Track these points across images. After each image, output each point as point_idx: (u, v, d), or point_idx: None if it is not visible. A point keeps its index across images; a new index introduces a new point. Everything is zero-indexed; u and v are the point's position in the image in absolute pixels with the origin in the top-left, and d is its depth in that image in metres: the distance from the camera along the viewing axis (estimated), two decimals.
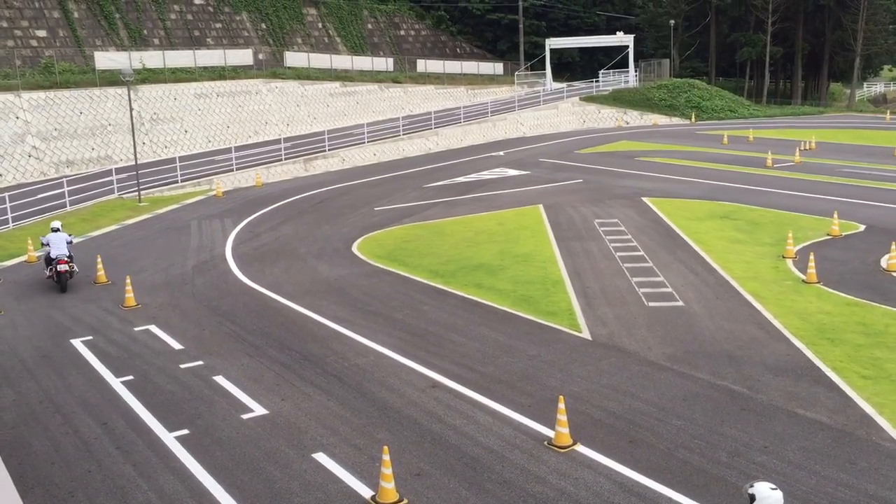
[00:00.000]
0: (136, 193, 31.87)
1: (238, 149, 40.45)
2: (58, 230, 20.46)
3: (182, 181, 34.91)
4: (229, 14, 57.54)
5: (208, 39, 55.34)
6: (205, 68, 49.31)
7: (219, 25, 56.68)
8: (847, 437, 11.34)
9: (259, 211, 29.91)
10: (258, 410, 12.73)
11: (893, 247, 20.28)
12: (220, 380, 14.03)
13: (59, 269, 19.88)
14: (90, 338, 16.49)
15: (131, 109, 32.53)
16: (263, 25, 59.51)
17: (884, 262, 20.01)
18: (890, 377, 13.35)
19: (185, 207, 31.14)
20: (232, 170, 37.10)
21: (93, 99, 40.88)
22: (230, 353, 15.34)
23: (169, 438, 11.86)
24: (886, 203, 27.69)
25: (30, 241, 23.79)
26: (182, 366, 14.76)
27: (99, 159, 39.46)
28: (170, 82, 45.42)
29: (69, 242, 20.45)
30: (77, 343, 16.18)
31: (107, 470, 11.02)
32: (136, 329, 16.97)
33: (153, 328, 16.99)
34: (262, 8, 59.85)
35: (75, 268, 20.45)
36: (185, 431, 12.07)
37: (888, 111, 62.87)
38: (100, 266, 20.98)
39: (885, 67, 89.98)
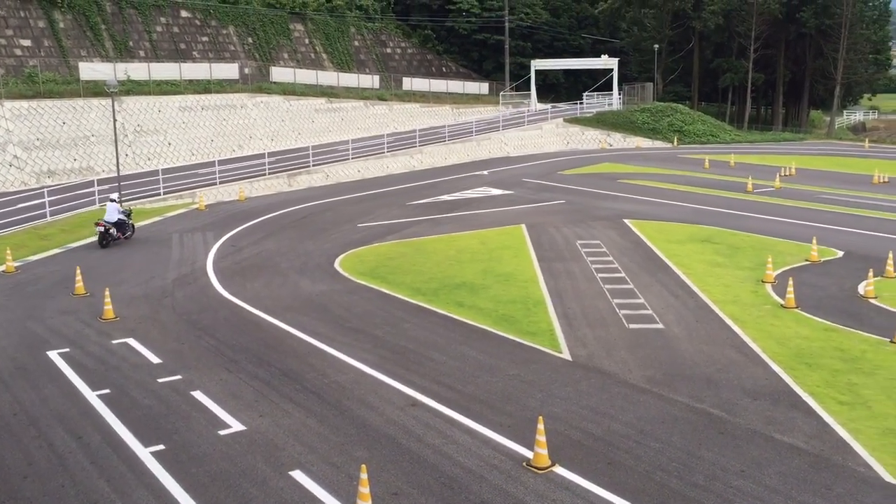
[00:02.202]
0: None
1: (222, 162, 40.35)
2: (114, 201, 26.78)
3: (164, 194, 34.75)
4: (216, 28, 57.58)
5: (194, 53, 55.30)
6: (190, 81, 49.26)
7: (205, 39, 56.69)
8: (823, 463, 11.40)
9: (241, 225, 29.81)
10: (236, 426, 12.63)
11: (871, 273, 20.51)
12: (198, 395, 13.92)
13: (97, 229, 25.94)
14: (67, 350, 16.33)
15: (115, 121, 32.39)
16: (250, 40, 59.59)
17: (861, 289, 20.22)
18: (866, 403, 13.46)
19: (167, 220, 30.98)
20: (215, 183, 36.98)
21: (76, 109, 40.69)
22: (209, 368, 15.23)
23: (144, 454, 11.74)
24: (864, 230, 28.02)
25: (8, 251, 23.56)
26: (160, 380, 14.64)
27: (81, 170, 39.23)
28: (154, 94, 45.31)
29: (122, 212, 26.58)
30: (53, 355, 16.01)
31: (80, 485, 10.88)
32: (114, 342, 16.82)
33: (131, 341, 16.84)
34: (249, 22, 59.95)
35: (114, 232, 26.04)
36: (161, 447, 11.95)
37: (867, 139, 63.75)
38: (79, 277, 20.81)
39: (865, 96, 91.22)
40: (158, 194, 34.64)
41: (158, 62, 50.67)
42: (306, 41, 64.69)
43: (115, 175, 32.67)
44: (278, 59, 60.97)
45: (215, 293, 20.66)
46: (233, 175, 39.02)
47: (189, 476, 11.07)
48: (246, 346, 16.55)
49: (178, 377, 14.76)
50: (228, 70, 52.75)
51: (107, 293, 18.89)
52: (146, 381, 14.61)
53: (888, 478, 10.99)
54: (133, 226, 27.60)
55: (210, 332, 17.43)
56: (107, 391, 14.10)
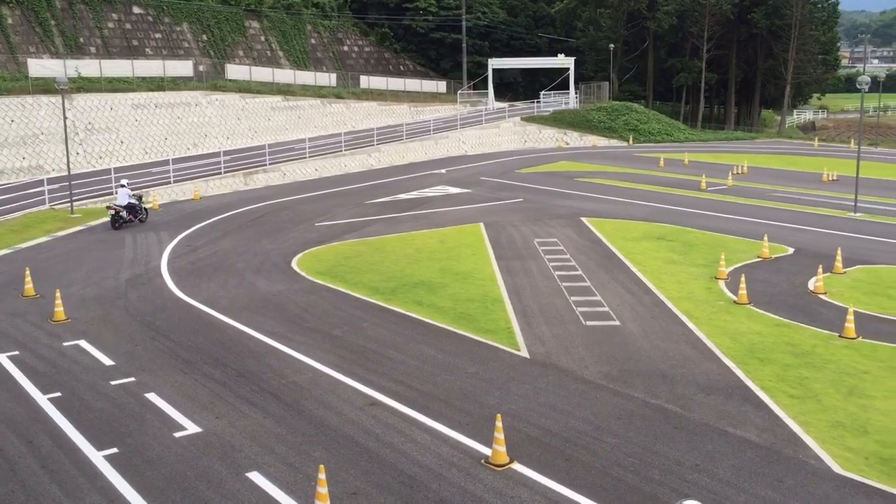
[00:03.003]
0: (69, 204, 31.05)
1: (176, 161, 39.77)
2: (124, 186, 29.06)
3: (117, 193, 34.10)
4: (169, 24, 56.73)
5: (147, 49, 54.44)
6: (143, 78, 48.46)
7: (158, 35, 55.83)
8: (775, 456, 11.63)
9: (197, 224, 29.43)
10: (191, 428, 12.47)
11: (820, 270, 20.97)
12: (152, 397, 13.71)
13: (109, 213, 28.40)
14: (16, 353, 15.96)
15: (65, 118, 31.75)
16: (204, 37, 58.82)
17: (811, 285, 20.66)
18: (816, 397, 13.76)
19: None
20: (169, 182, 36.45)
21: (25, 107, 39.76)
22: (163, 370, 15.02)
23: (97, 457, 11.53)
24: (814, 227, 28.63)
25: None
26: (113, 382, 14.39)
27: (30, 169, 38.36)
28: (106, 92, 44.48)
29: (131, 197, 28.95)
30: (2, 358, 15.64)
31: (31, 490, 10.65)
32: (66, 344, 16.49)
33: (83, 343, 16.53)
34: (204, 19, 59.17)
35: (125, 215, 28.28)
36: (115, 450, 11.76)
37: (816, 138, 65.14)
38: (28, 279, 20.35)
39: (815, 95, 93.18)
40: (111, 193, 34.02)
41: (110, 59, 49.77)
42: (262, 38, 64.07)
43: (66, 174, 32.00)
44: (234, 56, 60.29)
45: (170, 293, 20.36)
46: (187, 174, 38.49)
47: (143, 479, 10.90)
48: (201, 347, 16.35)
49: (132, 379, 14.53)
50: (182, 67, 51.98)
51: (57, 295, 18.52)
52: (98, 383, 14.36)
53: (838, 469, 11.24)
54: (146, 210, 30.25)
55: (164, 334, 17.18)
56: (58, 394, 13.82)
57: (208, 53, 58.36)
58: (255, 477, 10.95)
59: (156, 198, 33.50)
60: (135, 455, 11.61)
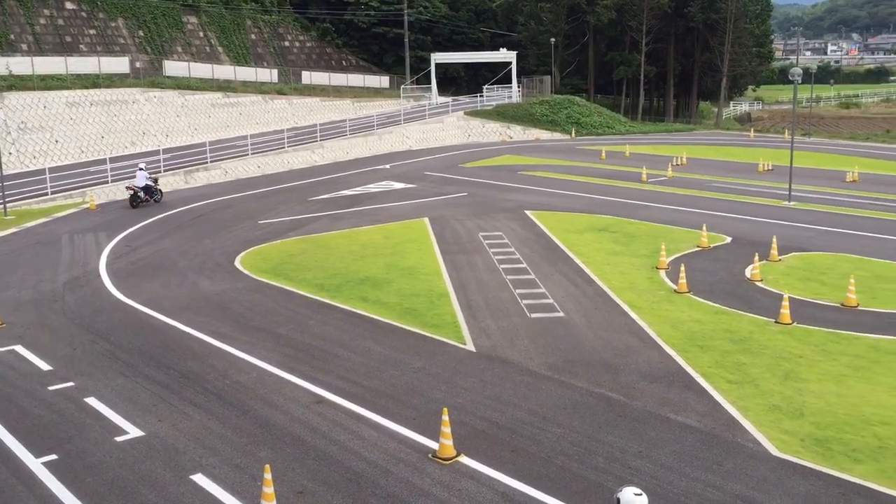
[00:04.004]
0: (2, 206, 30.15)
1: (114, 160, 38.88)
2: (142, 169, 32.69)
3: (52, 193, 33.31)
4: (104, 20, 55.43)
5: (81, 46, 53.12)
6: (77, 76, 47.32)
7: (93, 32, 54.51)
8: (714, 440, 11.92)
9: (136, 224, 28.87)
10: (133, 432, 12.26)
11: (756, 258, 21.51)
12: (92, 401, 13.44)
13: (128, 192, 32.10)
14: None
15: None
16: (141, 33, 57.64)
17: (748, 272, 21.18)
18: (753, 381, 14.13)
19: (56, 221, 29.71)
20: (107, 182, 35.64)
21: None
22: (103, 374, 14.72)
23: (35, 464, 11.26)
24: (750, 216, 29.34)
25: None
26: (50, 388, 14.06)
27: None
28: (39, 90, 43.31)
29: (149, 179, 32.67)
30: None
31: None
32: (0, 349, 16.03)
33: (19, 348, 16.10)
34: (140, 15, 57.96)
35: (142, 195, 31.98)
36: (54, 456, 11.50)
37: (752, 129, 66.68)
38: None
39: (750, 87, 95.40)
40: (46, 194, 33.17)
41: (42, 56, 48.46)
42: (201, 34, 63.03)
43: None
44: (171, 52, 59.21)
45: (109, 295, 19.95)
46: (125, 173, 37.66)
47: (84, 485, 10.69)
48: (143, 349, 16.07)
49: (71, 384, 14.21)
50: (118, 64, 50.91)
51: None
52: (35, 389, 14.01)
53: (774, 452, 11.57)
54: (161, 191, 33.60)
55: (104, 337, 16.83)
56: None
57: (145, 50, 57.19)
58: (200, 479, 10.82)
59: (93, 198, 32.75)
60: (74, 461, 11.37)
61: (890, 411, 12.88)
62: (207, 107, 51.97)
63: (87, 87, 46.25)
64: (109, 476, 10.94)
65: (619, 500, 7.20)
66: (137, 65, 53.40)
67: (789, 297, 17.93)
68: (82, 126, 43.82)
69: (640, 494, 7.16)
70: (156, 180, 33.73)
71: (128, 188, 32.43)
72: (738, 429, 12.29)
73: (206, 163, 40.76)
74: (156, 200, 32.97)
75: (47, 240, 26.39)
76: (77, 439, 12.07)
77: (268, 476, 9.72)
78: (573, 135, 59.98)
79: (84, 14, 54.43)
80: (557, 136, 60.07)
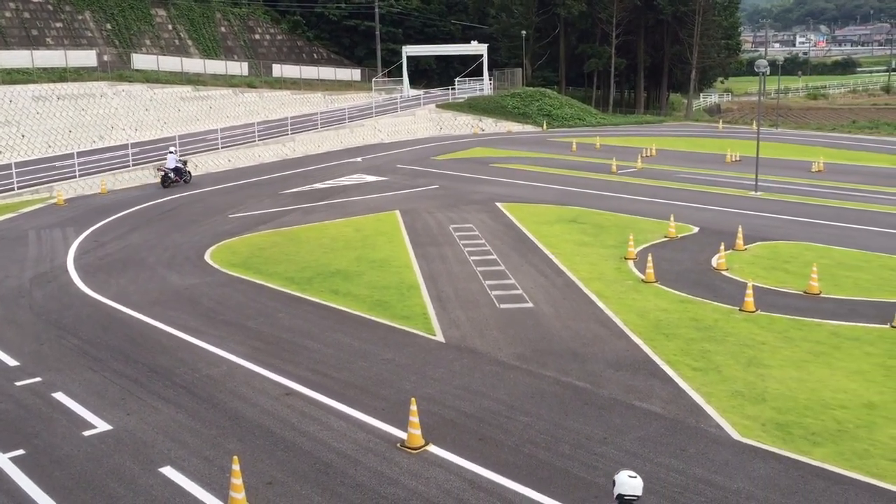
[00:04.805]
0: None
1: (81, 154, 38.47)
2: (171, 152, 35.85)
3: (19, 188, 32.92)
4: (70, 13, 54.72)
5: (48, 39, 52.41)
6: (44, 69, 46.71)
7: (59, 25, 53.79)
8: (679, 426, 12.15)
9: (104, 219, 28.64)
10: (101, 426, 12.24)
11: (722, 247, 21.83)
12: (59, 396, 13.39)
13: (159, 174, 35.35)
14: None
15: None
16: (108, 26, 56.96)
17: (714, 262, 21.49)
18: (717, 368, 14.39)
19: (22, 216, 29.39)
20: (75, 176, 35.29)
21: None
22: (71, 369, 14.66)
23: (2, 459, 11.23)
24: (717, 206, 29.72)
25: None
26: (18, 383, 13.98)
27: None
28: (4, 84, 42.68)
29: (178, 161, 35.78)
30: None
31: None
32: None
33: None
34: (107, 7, 57.26)
35: (172, 175, 35.03)
36: (21, 452, 11.47)
37: (721, 121, 67.37)
38: None
39: (719, 79, 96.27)
40: (12, 189, 32.78)
41: (7, 49, 47.73)
42: (169, 27, 62.42)
43: None
44: (140, 45, 58.58)
45: (77, 291, 19.82)
46: (94, 167, 37.34)
47: (52, 480, 10.68)
48: (111, 343, 16.01)
49: (38, 379, 14.14)
50: (86, 57, 50.28)
51: None
52: (2, 385, 13.93)
53: (736, 436, 11.82)
54: (190, 172, 36.56)
55: (72, 332, 16.74)
56: None
57: (113, 43, 56.53)
58: (169, 472, 10.85)
59: (60, 193, 32.41)
60: (42, 456, 11.35)
61: (849, 395, 13.19)
62: (177, 100, 51.53)
63: (53, 81, 45.68)
64: (77, 470, 10.93)
65: (614, 482, 7.41)
66: (105, 58, 52.77)
67: (753, 286, 18.23)
68: (49, 120, 43.28)
69: (635, 477, 7.39)
70: (185, 162, 36.56)
71: (158, 170, 35.68)
72: (701, 415, 12.53)
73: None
74: (185, 181, 35.87)
75: (13, 235, 26.11)
76: (45, 434, 12.03)
77: (236, 467, 9.78)
78: (545, 127, 60.24)
79: (50, 7, 53.70)
80: (529, 128, 60.30)
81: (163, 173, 35.33)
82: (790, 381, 13.80)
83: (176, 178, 35.41)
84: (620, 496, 7.33)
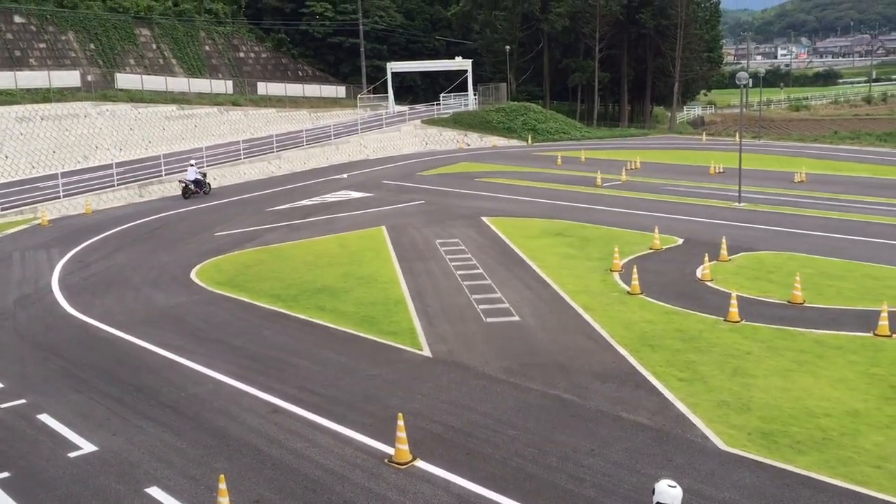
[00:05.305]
0: None
1: (65, 175, 38.37)
2: (192, 165, 37.94)
3: (2, 210, 32.81)
4: (54, 34, 54.68)
5: (31, 60, 52.33)
6: (27, 90, 46.65)
7: (42, 45, 53.73)
8: (665, 437, 12.20)
9: (89, 239, 28.54)
10: (87, 448, 12.18)
11: (706, 258, 21.98)
12: (44, 418, 13.31)
13: (180, 185, 36.97)
14: None
15: None
16: (92, 46, 56.93)
17: (699, 273, 21.62)
18: (703, 379, 14.47)
19: (6, 238, 29.26)
20: (59, 197, 35.18)
21: None
22: (56, 390, 14.58)
23: None
24: (701, 218, 29.92)
25: None
26: (2, 405, 13.90)
27: None
28: None
29: (199, 173, 37.56)
30: None
31: None
32: None
33: None
34: (91, 28, 57.26)
35: (192, 187, 36.78)
36: (6, 474, 11.39)
37: (704, 133, 67.89)
38: None
39: (702, 92, 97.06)
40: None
41: None
42: (154, 46, 62.44)
43: None
44: (124, 65, 58.56)
45: (62, 312, 19.73)
46: (78, 187, 37.23)
47: (37, 502, 10.62)
48: (97, 364, 15.94)
49: (23, 401, 14.06)
50: (69, 77, 50.24)
51: None
52: None
53: (722, 446, 11.88)
54: (209, 184, 38.35)
55: (57, 353, 16.66)
56: None
57: (97, 63, 56.50)
58: (155, 492, 10.80)
59: (44, 213, 32.29)
60: (27, 478, 11.27)
61: (833, 403, 13.29)
62: (161, 119, 51.51)
63: (37, 102, 45.60)
64: (62, 492, 10.87)
65: (654, 490, 7.60)
66: (89, 78, 52.74)
67: (738, 296, 18.36)
68: (33, 141, 43.16)
69: (675, 486, 7.56)
70: (205, 175, 38.46)
71: (180, 181, 37.36)
72: (687, 425, 12.59)
73: (161, 175, 40.38)
74: (205, 192, 37.55)
75: None
76: (30, 456, 11.96)
77: (222, 486, 9.75)
78: (530, 141, 60.51)
79: (33, 28, 53.66)
80: (514, 142, 60.57)
81: (184, 185, 36.82)
82: (775, 390, 13.88)
83: (196, 189, 36.94)
84: None
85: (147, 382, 14.88)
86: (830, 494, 10.47)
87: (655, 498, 7.55)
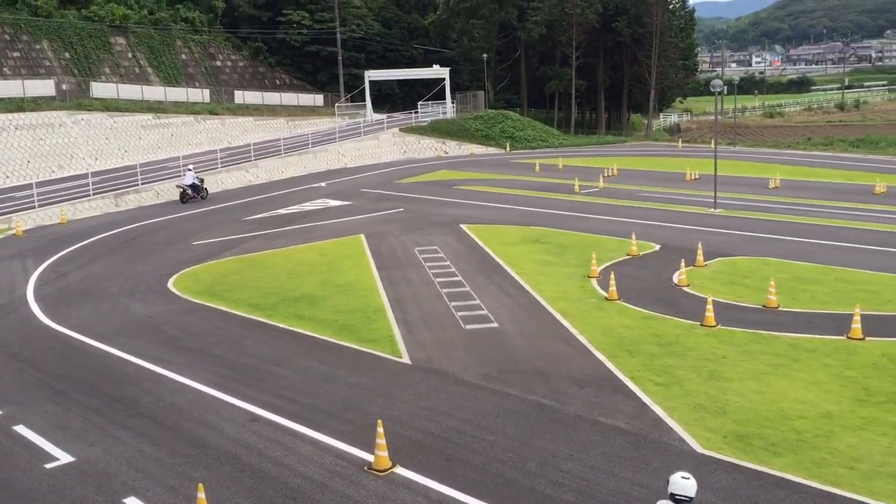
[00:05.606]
0: None
1: (40, 184, 38.06)
2: (190, 170, 38.36)
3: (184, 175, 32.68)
4: (28, 42, 54.27)
5: (5, 69, 51.90)
6: (1, 100, 46.19)
7: (17, 54, 53.31)
8: (642, 440, 12.31)
9: (65, 249, 28.31)
10: (63, 458, 12.09)
11: (683, 263, 22.19)
12: (20, 429, 13.20)
13: (178, 190, 37.55)
14: None
15: None
16: (67, 55, 56.56)
17: (675, 278, 21.82)
18: (679, 383, 14.61)
19: None
20: (33, 207, 34.87)
21: None
22: (32, 401, 14.46)
23: None
24: (678, 224, 30.19)
25: None
26: None
27: None
28: None
29: (196, 178, 38.02)
30: None
31: None
32: None
33: None
34: (65, 36, 56.89)
35: (190, 192, 37.30)
36: None
37: (680, 140, 68.53)
38: None
39: (678, 99, 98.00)
40: None
41: None
42: (129, 55, 62.13)
43: None
44: (99, 74, 58.22)
45: (38, 322, 19.57)
46: (53, 197, 36.94)
47: None
48: (73, 375, 15.82)
49: None
50: (44, 87, 49.87)
51: None
52: None
53: (699, 449, 12.00)
54: (206, 189, 38.83)
55: (33, 364, 16.52)
56: None
57: (72, 72, 56.11)
58: (133, 502, 10.75)
59: (19, 223, 31.99)
60: (3, 489, 11.17)
61: (807, 406, 13.47)
62: (137, 128, 51.22)
63: (10, 111, 45.21)
64: (39, 503, 10.79)
65: (668, 481, 7.73)
66: (64, 87, 52.37)
67: (714, 301, 18.56)
68: (7, 151, 42.77)
69: (688, 478, 7.68)
70: (202, 180, 38.76)
71: (178, 186, 37.88)
72: (664, 428, 12.71)
73: (137, 185, 40.16)
74: (202, 197, 38.06)
75: None
76: (6, 468, 11.85)
77: (202, 495, 9.73)
78: (508, 149, 60.78)
79: (7, 37, 53.22)
80: (492, 150, 60.80)
81: (181, 189, 37.40)
82: (750, 393, 14.05)
83: (193, 194, 37.53)
84: (672, 495, 7.63)
85: (125, 392, 14.80)
86: (805, 495, 10.61)
87: (669, 489, 7.67)
